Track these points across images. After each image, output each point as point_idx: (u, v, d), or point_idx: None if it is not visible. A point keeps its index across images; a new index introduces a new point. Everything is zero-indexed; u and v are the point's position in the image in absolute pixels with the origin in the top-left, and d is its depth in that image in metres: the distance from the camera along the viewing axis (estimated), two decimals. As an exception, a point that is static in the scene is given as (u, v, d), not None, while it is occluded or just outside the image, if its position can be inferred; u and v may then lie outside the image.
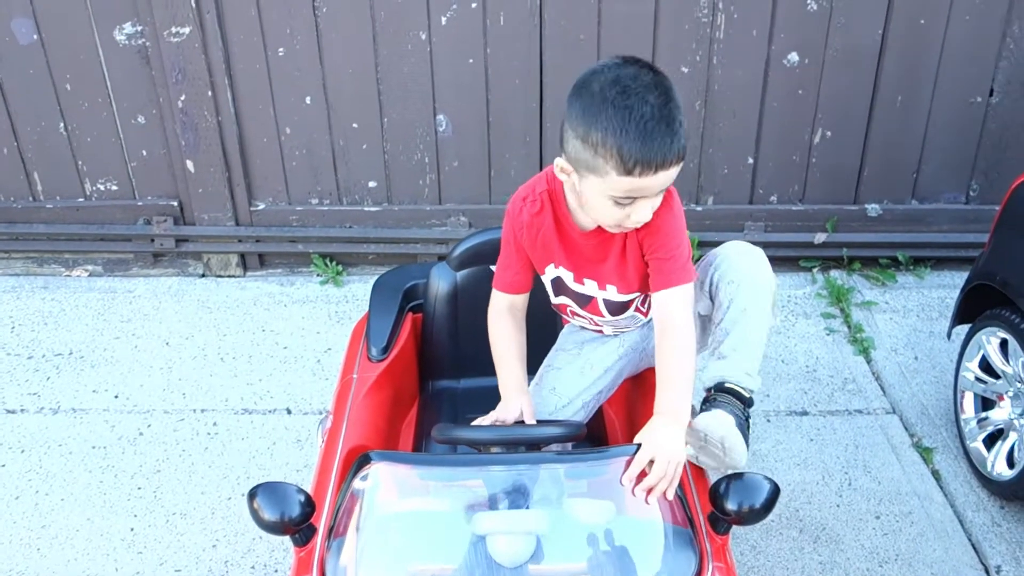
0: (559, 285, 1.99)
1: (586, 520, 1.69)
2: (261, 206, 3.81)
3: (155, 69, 3.55)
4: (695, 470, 1.90)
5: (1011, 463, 2.54)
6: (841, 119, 3.57)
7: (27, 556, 2.57)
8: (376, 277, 2.52)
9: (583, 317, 2.05)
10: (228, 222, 3.80)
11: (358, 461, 1.72)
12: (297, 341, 3.48)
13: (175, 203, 3.81)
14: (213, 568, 2.53)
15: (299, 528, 1.70)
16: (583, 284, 1.96)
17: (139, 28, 3.49)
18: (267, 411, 3.11)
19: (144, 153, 3.74)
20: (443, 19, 3.43)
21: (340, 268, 3.86)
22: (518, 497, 1.69)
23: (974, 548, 2.51)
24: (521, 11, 3.39)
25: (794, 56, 3.47)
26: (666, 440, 1.69)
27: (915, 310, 3.50)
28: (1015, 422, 2.53)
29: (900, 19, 3.38)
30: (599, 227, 1.83)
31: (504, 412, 1.93)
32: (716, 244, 3.60)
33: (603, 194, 1.67)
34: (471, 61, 3.49)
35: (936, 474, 2.76)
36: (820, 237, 3.70)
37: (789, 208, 3.72)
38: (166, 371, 3.33)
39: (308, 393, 3.18)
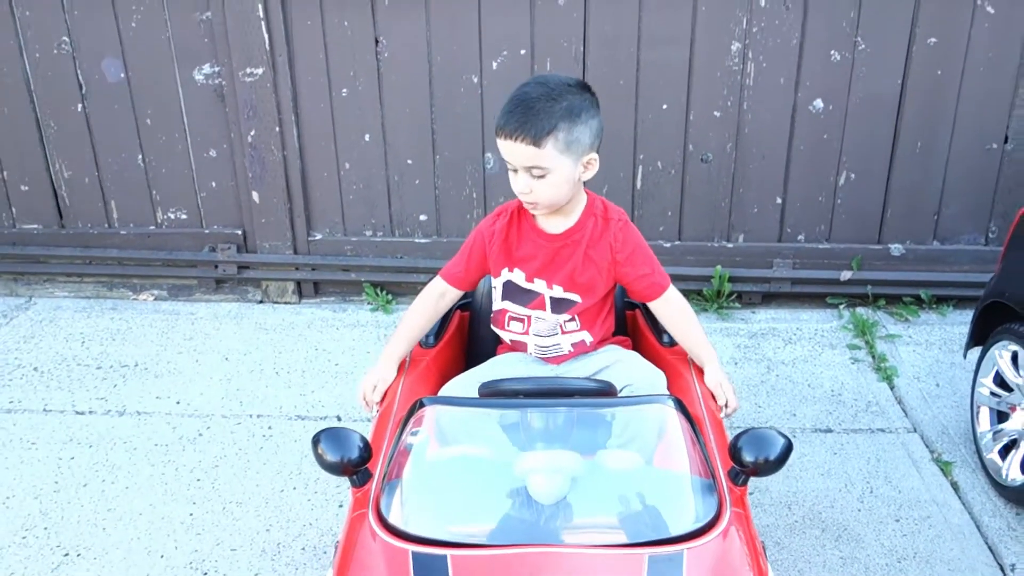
0: (509, 287, 2.23)
1: (617, 465, 1.87)
2: (318, 236, 4.08)
3: (228, 107, 3.88)
4: (716, 429, 2.06)
5: (1025, 470, 2.67)
6: (864, 163, 3.79)
7: (93, 534, 2.76)
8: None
9: (519, 320, 2.26)
10: (287, 251, 4.07)
11: (412, 406, 1.92)
12: (348, 359, 3.70)
13: (239, 231, 4.10)
14: (267, 549, 2.70)
15: (357, 470, 1.89)
16: (533, 283, 2.20)
17: (216, 69, 3.83)
18: (319, 417, 3.31)
19: (213, 184, 4.05)
20: (494, 64, 3.74)
21: (390, 297, 4.11)
22: (555, 440, 1.88)
23: (990, 549, 2.62)
24: (566, 58, 3.68)
25: (819, 103, 3.72)
26: (721, 374, 2.19)
27: (937, 343, 3.65)
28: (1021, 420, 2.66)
29: (918, 70, 3.63)
30: (567, 230, 2.16)
31: (372, 377, 2.24)
32: (746, 280, 3.82)
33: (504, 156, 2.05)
34: (518, 104, 3.77)
35: (955, 485, 2.88)
36: (846, 275, 3.89)
37: (816, 246, 3.92)
38: (224, 382, 3.56)
39: (358, 404, 3.38)
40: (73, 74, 3.89)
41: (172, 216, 4.13)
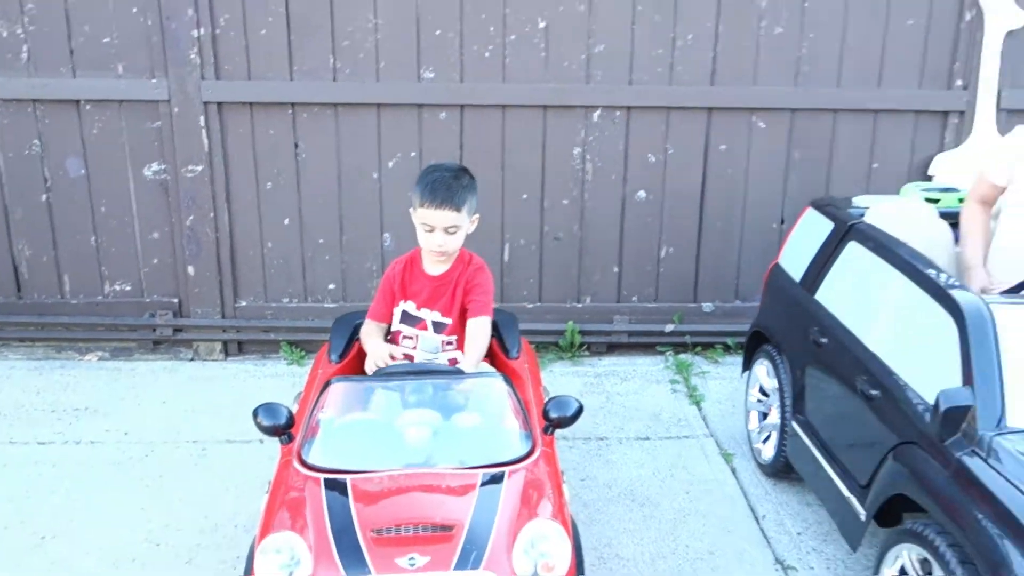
0: (403, 314, 3.14)
1: (463, 420, 2.77)
2: (244, 303, 4.93)
3: (171, 197, 4.75)
4: (537, 402, 2.98)
5: (776, 447, 3.65)
6: (679, 240, 4.89)
7: (63, 523, 3.46)
8: (338, 316, 3.63)
9: (410, 338, 3.15)
10: (217, 315, 4.90)
11: (324, 385, 2.80)
12: (267, 397, 4.48)
13: (176, 300, 4.91)
14: (205, 528, 3.45)
15: (285, 432, 2.75)
16: (420, 311, 3.12)
17: (163, 166, 4.72)
18: (245, 441, 4.10)
19: (155, 261, 4.88)
20: (390, 163, 4.73)
21: (303, 353, 4.94)
22: (422, 404, 2.78)
23: (750, 507, 3.57)
24: (448, 158, 4.69)
25: (642, 193, 4.82)
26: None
27: (735, 378, 4.66)
28: (775, 415, 3.66)
29: (713, 169, 4.78)
30: (445, 273, 3.08)
31: (373, 364, 3.02)
32: (593, 333, 4.78)
33: (418, 222, 2.97)
34: (410, 194, 4.75)
35: (733, 469, 3.85)
36: (669, 327, 4.92)
37: (646, 305, 4.96)
38: (164, 418, 4.31)
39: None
40: (40, 171, 4.72)
41: (118, 288, 4.92)
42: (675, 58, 4.64)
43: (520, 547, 2.39)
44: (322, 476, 2.61)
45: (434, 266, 3.12)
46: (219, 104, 4.63)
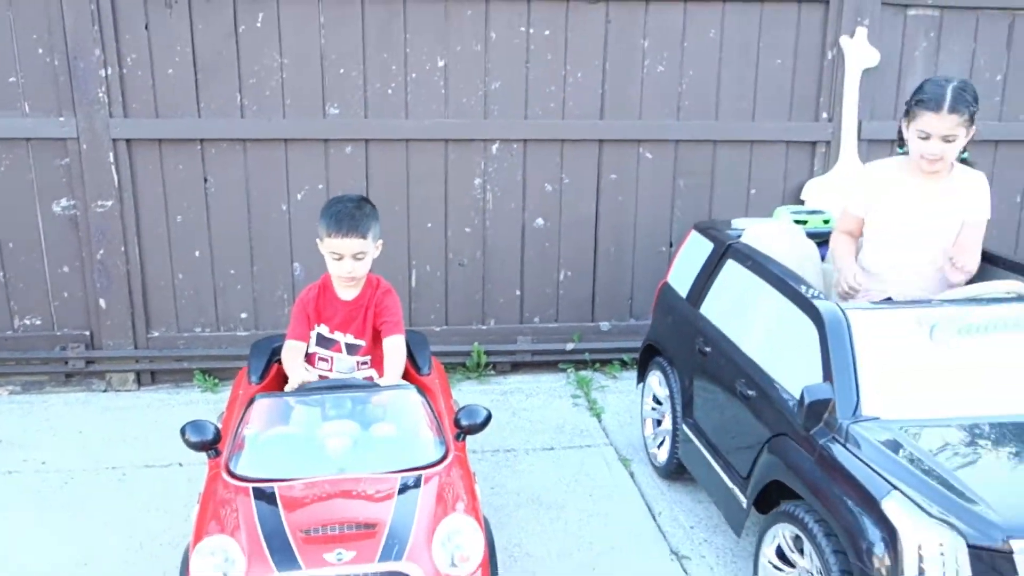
0: (319, 337, 3.36)
1: (380, 430, 2.99)
2: (156, 334, 5.01)
3: (82, 231, 4.83)
4: (448, 412, 3.22)
5: (669, 451, 3.97)
6: (576, 264, 5.21)
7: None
8: (255, 341, 3.79)
9: (325, 360, 3.37)
10: (129, 346, 4.97)
11: (248, 402, 2.98)
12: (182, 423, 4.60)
13: (87, 332, 4.97)
14: (131, 547, 3.55)
15: (212, 447, 2.91)
16: (333, 334, 3.35)
17: (72, 202, 4.80)
18: (164, 465, 4.20)
19: (65, 295, 4.93)
20: (299, 195, 4.92)
21: (216, 381, 5.06)
22: (341, 416, 2.99)
23: (648, 507, 3.88)
24: (354, 190, 4.91)
25: (540, 221, 5.13)
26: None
27: (632, 391, 4.98)
28: (668, 422, 3.99)
29: (606, 197, 5.14)
30: (355, 298, 3.31)
31: (297, 380, 3.20)
32: (498, 353, 5.03)
33: (326, 252, 3.19)
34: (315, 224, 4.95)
35: (632, 473, 4.16)
36: (569, 346, 5.23)
37: (547, 326, 5.26)
38: (81, 448, 4.37)
39: (196, 455, 4.29)
40: (-56, 207, 4.74)
41: (28, 322, 4.94)
42: (567, 94, 4.99)
43: (438, 540, 2.63)
44: (250, 486, 2.79)
45: (345, 291, 3.34)
46: (128, 141, 4.74)
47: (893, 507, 2.47)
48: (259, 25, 4.70)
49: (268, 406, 3.04)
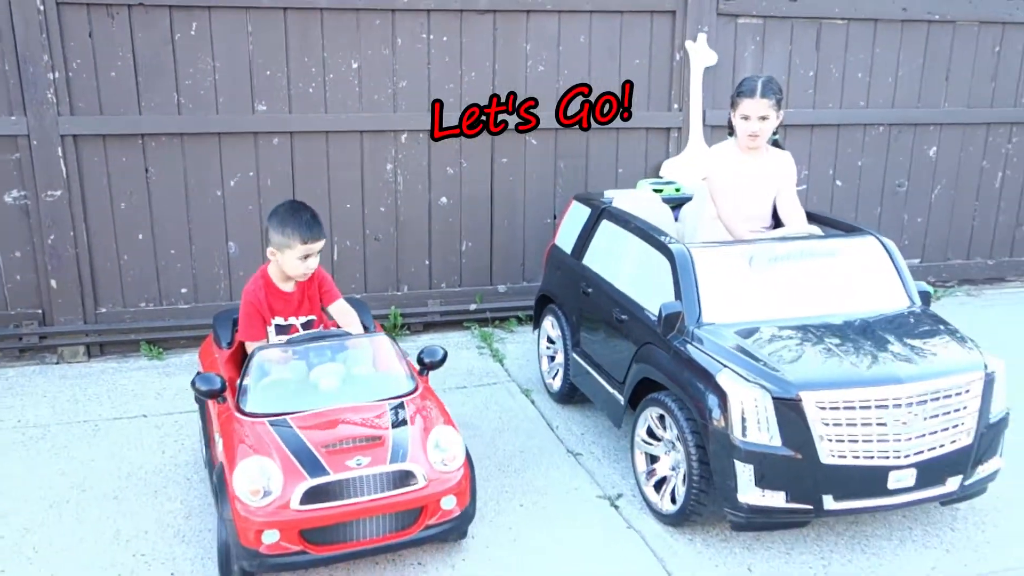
0: (277, 327, 3.98)
1: (361, 369, 3.74)
2: (104, 310, 5.60)
3: (32, 219, 5.38)
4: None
5: (563, 378, 4.89)
6: (476, 235, 6.09)
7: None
8: (216, 314, 4.45)
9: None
10: (79, 322, 5.55)
11: (248, 356, 3.69)
12: (139, 386, 5.24)
13: (40, 311, 5.52)
14: (121, 475, 4.21)
15: (219, 394, 3.60)
16: (288, 320, 4.00)
17: (24, 192, 5.35)
18: (131, 417, 4.84)
19: (18, 277, 5.47)
20: (232, 182, 5.61)
21: (160, 350, 5.68)
22: (329, 360, 3.72)
23: (547, 422, 4.80)
24: (281, 176, 5.64)
25: (444, 199, 5.99)
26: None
27: (528, 341, 5.90)
28: (561, 357, 4.91)
29: (499, 178, 6.04)
30: (295, 289, 3.95)
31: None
32: (412, 315, 5.84)
33: (294, 258, 3.81)
34: (250, 207, 5.66)
35: (533, 401, 5.06)
36: (473, 306, 6.11)
37: (453, 290, 6.12)
38: (50, 407, 4.94)
39: (158, 406, 4.95)
40: (-98, 200, 5.21)
41: (-17, 303, 5.47)
42: (463, 90, 5.85)
43: (431, 445, 3.40)
44: (266, 420, 3.43)
45: (287, 284, 3.92)
46: (75, 136, 5.33)
47: (724, 378, 3.45)
48: (193, 33, 5.37)
49: (267, 356, 3.66)
